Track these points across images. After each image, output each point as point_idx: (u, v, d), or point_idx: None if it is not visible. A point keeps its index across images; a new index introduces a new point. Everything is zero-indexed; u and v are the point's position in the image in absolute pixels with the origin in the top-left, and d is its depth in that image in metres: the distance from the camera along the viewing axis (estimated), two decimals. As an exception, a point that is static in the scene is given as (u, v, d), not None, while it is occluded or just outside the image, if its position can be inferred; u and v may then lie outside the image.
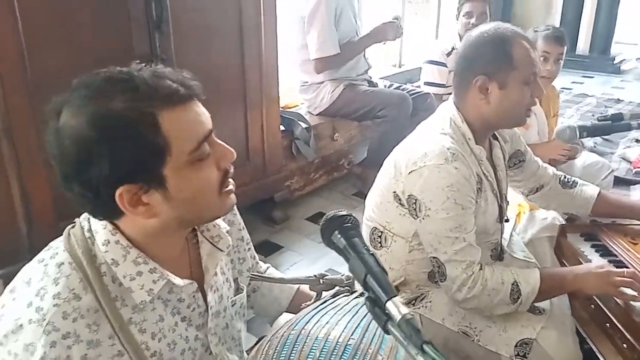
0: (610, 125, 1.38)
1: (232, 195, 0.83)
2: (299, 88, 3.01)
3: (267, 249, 2.39)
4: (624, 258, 1.48)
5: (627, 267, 1.39)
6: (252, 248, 1.11)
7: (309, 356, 0.76)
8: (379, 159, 1.48)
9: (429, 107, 2.80)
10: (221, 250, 0.91)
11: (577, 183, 1.65)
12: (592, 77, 5.91)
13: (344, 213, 0.77)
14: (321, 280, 1.04)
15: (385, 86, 3.05)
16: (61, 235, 0.80)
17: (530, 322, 1.32)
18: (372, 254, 0.70)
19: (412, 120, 2.61)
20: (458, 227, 1.26)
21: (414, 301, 1.44)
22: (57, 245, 0.79)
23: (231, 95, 2.21)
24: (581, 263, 1.51)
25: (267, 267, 1.21)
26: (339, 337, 0.79)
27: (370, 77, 3.04)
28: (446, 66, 3.13)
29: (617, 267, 1.37)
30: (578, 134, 1.44)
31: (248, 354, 1.00)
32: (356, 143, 3.15)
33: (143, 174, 0.72)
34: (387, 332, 0.64)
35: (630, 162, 3.22)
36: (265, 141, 2.40)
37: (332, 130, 2.96)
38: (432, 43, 4.38)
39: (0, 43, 1.53)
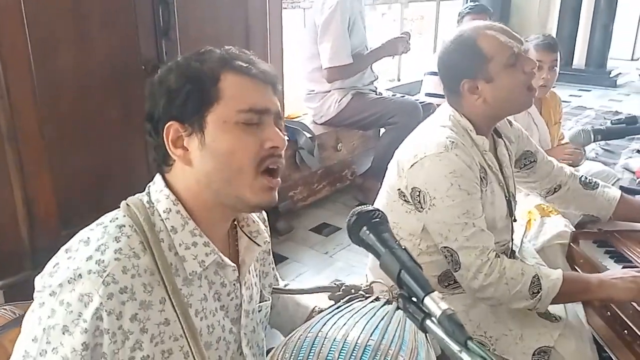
0: (625, 128, 1.37)
1: (273, 194, 0.84)
2: (305, 97, 3.01)
3: (271, 260, 2.36)
4: (638, 264, 1.46)
5: (644, 273, 1.37)
6: (274, 265, 1.10)
7: (328, 358, 0.74)
8: (384, 169, 1.47)
9: (431, 117, 2.80)
10: (259, 245, 0.92)
11: (598, 184, 1.61)
12: (589, 91, 5.97)
13: (371, 208, 0.75)
14: (341, 289, 1.02)
15: (390, 96, 3.05)
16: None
17: (548, 330, 1.29)
18: (404, 249, 0.68)
19: (420, 129, 2.61)
20: (466, 212, 1.23)
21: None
22: (116, 214, 0.81)
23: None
24: (595, 270, 1.49)
25: (286, 284, 1.18)
26: (358, 338, 0.77)
27: (376, 88, 3.04)
28: (447, 77, 3.14)
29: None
30: (593, 137, 1.43)
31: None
32: (359, 154, 3.14)
33: (190, 113, 0.79)
34: (424, 330, 0.61)
35: (634, 172, 3.23)
36: (271, 151, 2.38)
37: (336, 140, 2.95)
38: (430, 56, 4.42)
39: (8, 50, 1.51)
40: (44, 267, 0.77)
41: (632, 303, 1.31)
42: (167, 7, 1.79)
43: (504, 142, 1.47)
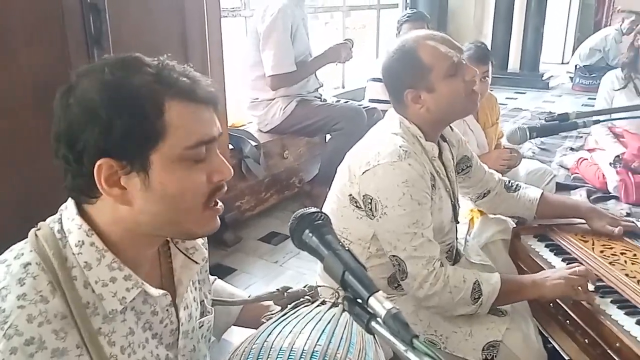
0: (558, 125, 1.43)
1: (217, 220, 0.79)
2: (249, 105, 2.97)
3: (219, 273, 2.25)
4: (577, 255, 1.51)
5: (581, 264, 1.42)
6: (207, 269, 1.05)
7: None
8: (331, 175, 1.46)
9: (376, 121, 2.81)
10: (197, 263, 0.86)
11: (520, 187, 1.68)
12: (524, 93, 6.25)
13: (314, 210, 0.73)
14: (285, 294, 1.00)
15: (335, 102, 3.06)
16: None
17: (495, 325, 1.32)
18: (348, 250, 0.66)
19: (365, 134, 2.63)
20: (415, 222, 1.25)
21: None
22: (22, 247, 0.72)
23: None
24: (536, 263, 1.54)
25: (214, 279, 1.14)
26: (304, 345, 0.75)
27: (321, 95, 3.05)
28: (390, 83, 3.19)
29: (571, 264, 1.39)
30: (528, 134, 1.48)
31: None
32: (306, 160, 3.13)
33: (130, 151, 0.69)
34: (370, 331, 0.60)
35: (568, 169, 3.39)
36: (213, 161, 2.33)
37: (282, 148, 2.93)
38: (373, 63, 4.48)
39: None
40: None
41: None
42: (98, 15, 1.71)
43: (449, 146, 1.50)
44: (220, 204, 0.78)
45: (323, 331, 0.78)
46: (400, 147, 1.28)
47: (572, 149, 3.72)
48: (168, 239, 0.85)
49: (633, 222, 1.63)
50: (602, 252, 1.53)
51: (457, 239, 1.54)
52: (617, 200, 2.91)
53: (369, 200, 1.28)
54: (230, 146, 2.53)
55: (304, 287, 1.01)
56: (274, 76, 2.74)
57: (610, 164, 2.97)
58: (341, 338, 0.77)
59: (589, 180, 3.14)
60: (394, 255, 1.28)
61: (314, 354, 0.73)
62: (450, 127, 1.55)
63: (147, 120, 0.69)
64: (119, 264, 0.72)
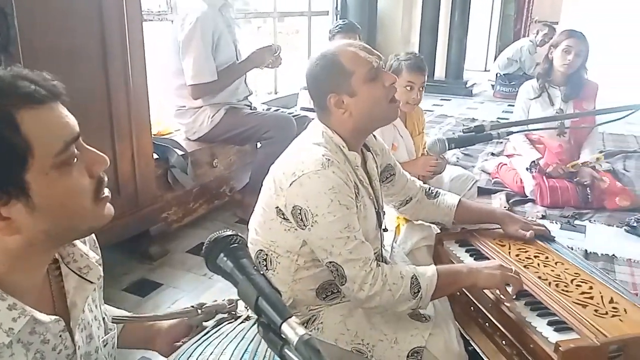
0: (474, 136, 1.50)
1: (109, 205, 0.77)
2: (175, 112, 2.87)
3: (144, 289, 2.20)
4: (494, 259, 1.58)
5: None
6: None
7: None
8: (262, 184, 1.45)
9: (306, 131, 2.83)
10: (91, 283, 0.81)
11: (439, 193, 1.74)
12: (449, 100, 6.51)
13: (230, 233, 0.71)
14: (199, 310, 0.97)
15: (264, 110, 3.03)
16: None
17: (419, 331, 1.35)
18: (262, 275, 0.65)
19: (294, 144, 2.62)
20: (347, 227, 1.27)
21: (305, 324, 1.41)
22: None
23: (96, 124, 2.03)
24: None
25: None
26: None
27: (251, 103, 3.00)
28: (322, 91, 3.20)
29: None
30: (447, 145, 1.54)
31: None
32: (236, 169, 3.07)
33: (1, 181, 0.65)
34: (283, 358, 0.59)
35: (489, 174, 3.55)
36: (136, 171, 2.23)
37: (211, 156, 2.86)
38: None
39: None
40: None
41: (490, 296, 1.43)
42: (5, 18, 1.60)
43: (372, 155, 1.52)
44: (107, 191, 0.77)
45: (246, 350, 0.76)
46: (323, 155, 1.29)
47: (493, 154, 3.90)
48: (58, 260, 0.80)
49: (544, 227, 1.74)
50: (517, 255, 1.61)
51: (383, 246, 1.56)
52: (533, 204, 3.07)
53: (299, 211, 1.28)
54: (155, 156, 2.44)
55: (223, 300, 0.98)
56: (194, 86, 2.67)
57: (526, 169, 3.14)
58: (264, 356, 0.76)
59: (508, 184, 3.30)
60: (330, 262, 1.28)
61: None
62: (374, 135, 1.58)
63: (5, 141, 0.65)
64: (1, 293, 0.68)
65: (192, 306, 0.98)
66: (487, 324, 1.46)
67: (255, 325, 0.83)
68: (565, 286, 1.43)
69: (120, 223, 2.13)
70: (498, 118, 5.51)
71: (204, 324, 1.00)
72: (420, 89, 2.29)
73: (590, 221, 2.88)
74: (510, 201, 3.07)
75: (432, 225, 1.91)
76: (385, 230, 1.60)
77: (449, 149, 1.55)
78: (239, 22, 3.18)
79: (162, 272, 2.34)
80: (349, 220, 1.28)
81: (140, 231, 2.34)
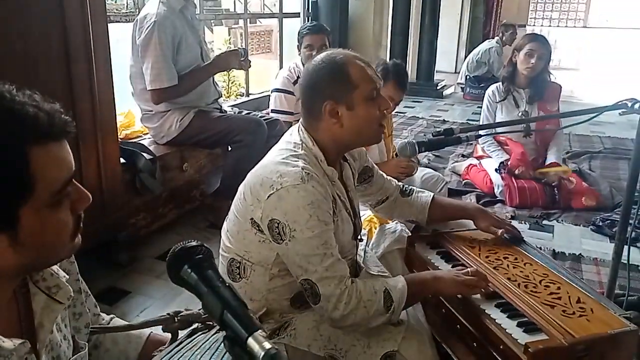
0: (444, 139, 1.51)
1: (79, 237, 0.76)
2: (142, 116, 2.81)
3: (111, 297, 2.14)
4: (465, 260, 1.60)
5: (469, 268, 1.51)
6: (92, 298, 0.98)
7: None
8: (233, 188, 1.42)
9: (278, 133, 2.79)
10: (60, 303, 0.79)
11: (413, 191, 1.74)
12: (420, 102, 6.58)
13: (195, 244, 0.69)
14: (176, 319, 0.94)
15: (235, 113, 2.99)
16: None
17: (392, 335, 1.34)
18: (228, 286, 0.63)
19: (266, 146, 2.59)
20: (324, 243, 1.25)
21: (277, 331, 1.39)
22: None
23: (60, 129, 1.97)
24: (429, 270, 1.61)
25: (112, 318, 1.07)
26: None
27: (221, 106, 2.95)
28: (293, 94, 3.19)
29: (461, 269, 1.47)
30: (417, 148, 1.54)
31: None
32: (207, 172, 3.03)
33: (3, 210, 0.65)
34: (249, 373, 0.57)
35: (460, 175, 3.59)
36: (102, 177, 2.16)
37: (181, 160, 2.81)
38: (277, 72, 4.47)
39: None
40: None
41: (460, 298, 1.44)
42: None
43: (349, 163, 1.52)
44: (80, 229, 0.76)
45: None
46: (302, 169, 1.27)
47: (463, 155, 3.95)
48: (26, 277, 0.77)
49: (515, 228, 1.76)
50: (487, 257, 1.62)
51: (357, 254, 1.56)
52: (502, 204, 3.12)
53: (276, 225, 1.26)
54: (122, 160, 2.38)
55: (199, 310, 0.96)
56: (153, 91, 2.60)
57: (495, 170, 3.20)
58: None
59: (478, 185, 3.35)
60: (305, 279, 1.26)
61: None
62: None
63: (13, 176, 0.64)
64: None
65: (168, 314, 0.96)
66: (458, 326, 1.47)
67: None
68: (534, 287, 1.46)
69: (87, 230, 2.05)
70: (468, 120, 5.60)
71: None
72: (397, 104, 2.32)
73: (557, 221, 2.95)
74: (481, 202, 3.11)
75: (404, 229, 1.92)
76: (361, 240, 1.59)
77: (419, 152, 1.56)
78: (209, 24, 3.12)
79: (130, 280, 2.28)
80: (327, 237, 1.26)
81: (108, 238, 2.27)
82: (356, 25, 6.17)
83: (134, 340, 1.04)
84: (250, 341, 0.56)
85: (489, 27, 9.73)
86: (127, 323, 1.06)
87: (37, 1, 1.85)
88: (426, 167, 3.38)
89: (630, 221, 1.77)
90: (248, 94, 4.74)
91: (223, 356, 0.76)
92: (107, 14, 2.21)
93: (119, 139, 2.40)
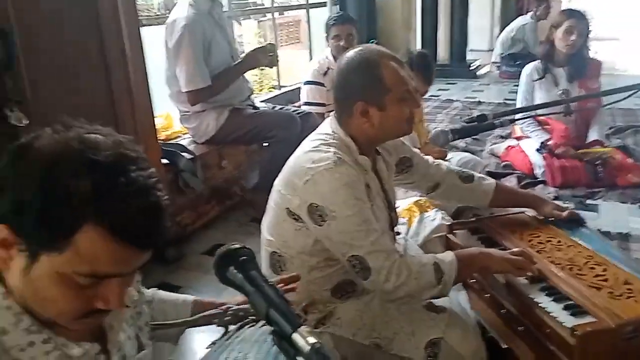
0: (477, 126, 1.50)
1: (93, 323, 0.75)
2: (180, 117, 2.90)
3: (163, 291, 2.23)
4: (507, 245, 1.58)
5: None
6: (140, 287, 1.01)
7: None
8: (271, 182, 1.46)
9: (312, 125, 2.79)
10: (127, 306, 0.84)
11: (474, 177, 1.72)
12: (455, 84, 6.45)
13: (238, 246, 0.73)
14: (228, 313, 0.99)
15: (268, 108, 3.03)
16: None
17: (435, 322, 1.36)
18: (271, 285, 0.66)
19: (300, 139, 2.62)
20: (365, 220, 1.28)
21: (323, 320, 1.42)
22: None
23: (103, 136, 2.05)
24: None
25: (152, 293, 1.12)
26: None
27: (253, 102, 3.00)
28: (324, 85, 3.20)
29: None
30: (451, 136, 1.53)
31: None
32: (245, 168, 3.09)
33: (25, 237, 0.65)
34: (296, 367, 0.60)
35: (499, 157, 3.52)
36: (147, 179, 2.25)
37: (219, 158, 2.88)
38: (307, 64, 4.48)
39: None
40: None
41: (504, 283, 1.43)
42: (6, 38, 1.61)
43: (382, 157, 1.52)
44: (97, 316, 0.73)
45: (268, 352, 0.77)
46: (334, 153, 1.30)
47: (501, 136, 3.87)
48: None
49: (556, 196, 1.73)
50: (530, 241, 1.61)
51: (395, 244, 1.57)
52: (544, 185, 3.04)
53: (316, 207, 1.29)
54: (165, 161, 2.46)
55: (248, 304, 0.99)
56: (189, 92, 2.67)
57: (536, 150, 3.12)
58: None
59: (518, 166, 3.28)
60: (353, 255, 1.28)
61: None
62: None
63: (56, 230, 0.64)
64: (37, 326, 0.70)
65: (221, 309, 1.00)
66: (502, 310, 1.47)
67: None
68: (579, 269, 1.44)
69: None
70: (505, 100, 5.46)
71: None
72: (423, 96, 2.31)
73: (603, 200, 2.86)
74: (522, 184, 3.05)
75: (444, 216, 1.92)
76: (398, 234, 1.60)
77: (452, 140, 1.55)
78: (238, 19, 3.16)
79: (179, 275, 2.37)
80: (367, 215, 1.29)
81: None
82: (384, 9, 6.09)
83: (182, 310, 1.10)
84: (295, 336, 0.59)
85: (522, 0, 9.41)
86: (181, 320, 1.11)
87: (74, 14, 1.92)
88: (464, 150, 3.34)
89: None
90: (280, 87, 4.78)
91: (272, 347, 0.79)
92: (139, 17, 2.28)
93: (160, 141, 2.48)
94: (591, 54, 3.14)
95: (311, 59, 5.01)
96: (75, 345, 0.75)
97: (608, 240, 1.94)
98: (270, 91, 5.12)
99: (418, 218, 1.91)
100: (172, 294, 1.17)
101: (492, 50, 7.73)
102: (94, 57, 1.99)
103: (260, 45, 2.92)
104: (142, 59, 2.19)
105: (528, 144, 3.21)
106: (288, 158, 1.45)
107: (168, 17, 2.93)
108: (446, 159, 2.42)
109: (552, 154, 3.06)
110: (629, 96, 1.60)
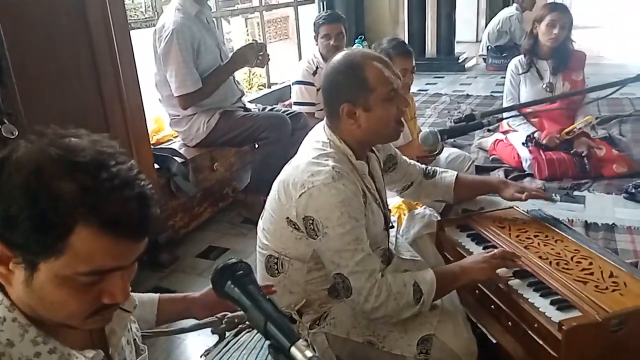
0: (465, 126, 1.53)
1: (104, 320, 0.77)
2: (170, 121, 2.90)
3: (158, 296, 2.25)
4: (495, 241, 1.63)
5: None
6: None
7: None
8: (263, 182, 1.49)
9: (303, 125, 2.85)
10: (128, 312, 0.86)
11: (437, 172, 1.77)
12: (442, 77, 6.48)
13: (235, 261, 0.76)
14: (223, 321, 1.01)
15: (258, 110, 3.05)
16: None
17: (427, 319, 1.39)
18: (269, 300, 0.69)
19: (292, 140, 2.65)
20: (355, 239, 1.30)
21: (318, 320, 1.45)
22: None
23: (95, 141, 2.06)
24: (460, 253, 1.64)
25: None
26: None
27: (244, 104, 3.01)
28: (314, 85, 3.22)
29: (491, 250, 1.48)
30: (440, 137, 1.56)
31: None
32: (237, 170, 3.11)
33: (22, 249, 0.66)
34: (294, 380, 0.63)
35: (487, 151, 3.57)
36: (139, 184, 2.26)
37: (211, 160, 2.89)
38: (296, 61, 4.49)
39: None
40: None
41: (492, 280, 1.47)
42: (-4, 52, 1.62)
43: (375, 154, 1.55)
44: (106, 312, 0.74)
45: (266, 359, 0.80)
46: (333, 168, 1.32)
47: (489, 130, 3.90)
48: None
49: (543, 188, 1.78)
50: (517, 236, 1.65)
51: (389, 242, 1.60)
52: (532, 178, 3.09)
53: (311, 221, 1.31)
54: (156, 166, 2.47)
55: None
56: (180, 97, 2.68)
57: (522, 143, 3.17)
58: None
59: (506, 160, 3.33)
60: (337, 274, 1.32)
61: None
62: None
63: (50, 236, 0.65)
64: (44, 337, 0.72)
65: (216, 317, 1.03)
66: (492, 306, 1.51)
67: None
68: (566, 264, 1.48)
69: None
70: (492, 92, 5.50)
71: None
72: (412, 72, 2.29)
73: (589, 191, 2.91)
74: (509, 177, 3.09)
75: (433, 213, 1.95)
76: (392, 227, 1.63)
77: (441, 141, 1.59)
78: (226, 18, 3.15)
79: (174, 279, 2.39)
80: (358, 233, 1.31)
81: (149, 241, 2.37)
82: (372, 4, 6.12)
83: (147, 305, 1.10)
84: (294, 350, 0.62)
85: (509, -8, 9.43)
86: (178, 328, 1.14)
87: (64, 22, 1.92)
88: (452, 145, 3.38)
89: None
90: (270, 85, 4.79)
91: (267, 356, 0.81)
92: (128, 21, 2.28)
93: (151, 145, 2.49)
94: (575, 46, 3.18)
95: (300, 55, 5.02)
96: (80, 354, 0.76)
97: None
98: (260, 89, 5.12)
99: (408, 215, 1.93)
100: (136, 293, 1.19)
101: (478, 41, 7.77)
102: (84, 64, 2.00)
103: (248, 43, 2.92)
104: (132, 62, 2.20)
105: (515, 137, 3.25)
106: (279, 158, 1.47)
107: (156, 19, 2.94)
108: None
109: (538, 147, 3.11)
110: (613, 92, 1.63)
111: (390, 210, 1.62)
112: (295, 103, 3.27)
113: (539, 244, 1.60)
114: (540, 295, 1.37)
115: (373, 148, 1.55)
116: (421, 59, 6.53)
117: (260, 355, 0.83)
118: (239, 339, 0.94)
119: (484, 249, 1.61)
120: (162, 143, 2.97)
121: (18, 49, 1.71)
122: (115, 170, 0.67)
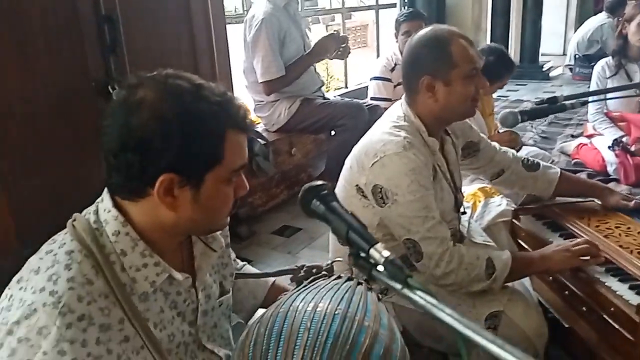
0: (547, 107, 1.50)
1: (228, 218, 0.93)
2: (254, 107, 3.07)
3: (237, 263, 2.41)
4: (574, 230, 1.59)
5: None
6: (230, 250, 1.14)
7: (301, 327, 0.79)
8: (338, 170, 1.54)
9: (379, 118, 2.90)
10: (214, 251, 0.96)
11: (540, 165, 1.72)
12: (525, 85, 6.29)
13: (320, 182, 0.83)
14: (302, 270, 1.08)
15: (337, 99, 3.16)
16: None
17: (496, 297, 1.39)
18: (350, 213, 0.76)
19: (368, 129, 2.70)
20: (425, 207, 1.33)
21: (385, 291, 1.48)
22: (63, 237, 0.82)
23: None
24: (536, 241, 1.61)
25: (243, 265, 1.24)
26: (327, 308, 0.82)
27: (324, 93, 3.13)
28: (391, 81, 3.27)
29: (569, 239, 1.46)
30: (520, 117, 1.55)
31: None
32: (313, 157, 3.22)
33: (193, 170, 0.80)
34: (372, 278, 0.69)
35: (569, 155, 3.44)
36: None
37: (290, 145, 3.03)
38: (374, 62, 4.55)
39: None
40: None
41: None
42: (112, 24, 1.82)
43: (451, 138, 1.56)
44: (233, 208, 0.91)
45: (342, 298, 0.84)
46: (404, 138, 1.35)
47: (572, 135, 3.77)
48: None
49: (629, 194, 1.70)
50: (597, 226, 1.60)
51: (460, 225, 1.60)
52: (617, 183, 2.94)
53: (379, 189, 1.35)
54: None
55: (319, 263, 1.09)
56: (264, 82, 2.86)
57: (609, 147, 3.03)
58: (358, 305, 0.84)
59: (589, 164, 3.19)
60: (408, 239, 1.34)
61: (335, 315, 0.80)
62: None
63: (213, 146, 0.80)
64: (150, 251, 0.82)
65: (296, 266, 1.10)
66: (566, 292, 1.48)
67: (349, 281, 0.93)
68: (649, 253, 1.42)
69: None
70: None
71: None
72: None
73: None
74: (592, 181, 2.96)
75: (509, 202, 1.92)
76: (464, 213, 1.63)
77: (521, 121, 1.57)
78: (308, 21, 3.29)
79: (250, 251, 2.54)
80: (427, 201, 1.33)
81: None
82: (454, 9, 6.05)
83: (261, 283, 1.22)
84: (372, 251, 0.68)
85: (601, 3, 8.97)
86: (263, 272, 1.23)
87: (170, 6, 2.13)
88: (531, 147, 3.29)
89: None
90: (347, 85, 4.88)
91: (344, 294, 0.86)
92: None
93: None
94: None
95: (378, 56, 5.08)
96: (177, 272, 0.87)
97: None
98: (337, 91, 5.23)
99: (483, 203, 1.92)
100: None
101: (565, 54, 7.45)
102: (184, 46, 2.19)
103: (330, 33, 3.04)
104: (226, 49, 2.39)
105: (600, 141, 3.11)
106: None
107: (245, 16, 3.13)
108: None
109: (626, 151, 2.96)
110: None
111: (464, 196, 1.62)
112: (372, 98, 3.33)
113: (619, 234, 1.55)
114: (618, 281, 1.34)
115: (450, 132, 1.57)
116: (503, 66, 6.37)
117: (337, 294, 0.87)
118: (316, 282, 1.00)
119: (560, 236, 1.58)
120: (247, 127, 3.14)
121: (130, 25, 1.92)
122: (222, 89, 0.84)
